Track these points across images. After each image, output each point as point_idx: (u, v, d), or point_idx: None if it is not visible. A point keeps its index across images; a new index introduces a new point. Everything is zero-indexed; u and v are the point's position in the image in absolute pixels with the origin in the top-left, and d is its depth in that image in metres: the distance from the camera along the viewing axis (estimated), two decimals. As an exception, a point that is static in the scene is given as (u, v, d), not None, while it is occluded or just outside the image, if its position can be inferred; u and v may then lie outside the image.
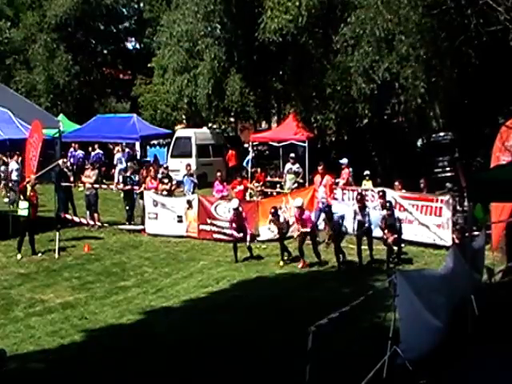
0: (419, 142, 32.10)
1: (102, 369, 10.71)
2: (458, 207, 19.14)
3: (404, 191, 20.09)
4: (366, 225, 17.36)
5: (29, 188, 19.21)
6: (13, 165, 28.05)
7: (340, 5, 25.49)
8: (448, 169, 27.25)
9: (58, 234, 19.17)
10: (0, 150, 26.63)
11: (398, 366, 9.65)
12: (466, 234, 15.45)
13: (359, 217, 17.45)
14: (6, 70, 48.80)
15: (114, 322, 13.26)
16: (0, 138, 22.39)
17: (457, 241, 16.26)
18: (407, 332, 9.89)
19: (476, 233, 15.62)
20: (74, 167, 31.09)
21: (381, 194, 18.89)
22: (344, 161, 24.46)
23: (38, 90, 47.84)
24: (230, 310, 13.67)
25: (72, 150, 34.39)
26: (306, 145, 28.77)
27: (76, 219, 23.16)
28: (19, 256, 18.77)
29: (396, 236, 16.99)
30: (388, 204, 17.64)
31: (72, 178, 25.40)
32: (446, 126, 28.40)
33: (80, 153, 34.92)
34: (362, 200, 17.89)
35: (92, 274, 17.17)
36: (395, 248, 17.20)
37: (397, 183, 20.65)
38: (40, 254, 19.01)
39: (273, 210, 18.02)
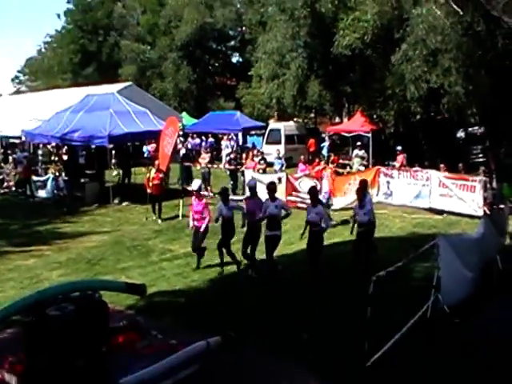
0: (459, 134, 31.91)
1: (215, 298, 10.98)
2: (488, 186, 18.77)
3: (447, 172, 19.77)
4: None
5: (153, 170, 19.76)
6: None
7: (397, 27, 25.29)
8: (481, 155, 27.61)
9: (181, 201, 19.60)
10: (142, 139, 27.13)
11: (438, 309, 9.69)
12: (494, 207, 15.24)
13: None
14: (146, 80, 50.51)
15: (219, 269, 13.52)
16: (141, 130, 23.06)
17: (487, 212, 16.02)
18: (447, 283, 9.92)
19: (502, 206, 15.47)
20: (193, 151, 31.58)
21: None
22: (399, 148, 24.45)
23: (168, 94, 49.50)
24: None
25: (190, 138, 35.01)
26: (370, 135, 28.47)
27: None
28: (154, 217, 19.39)
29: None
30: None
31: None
32: (479, 121, 28.62)
33: (197, 141, 35.46)
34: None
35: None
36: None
37: (442, 166, 20.47)
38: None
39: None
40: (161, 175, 19.82)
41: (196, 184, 14.79)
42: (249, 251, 13.13)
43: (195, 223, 14.09)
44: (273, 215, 12.75)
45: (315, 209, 12.44)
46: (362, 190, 13.48)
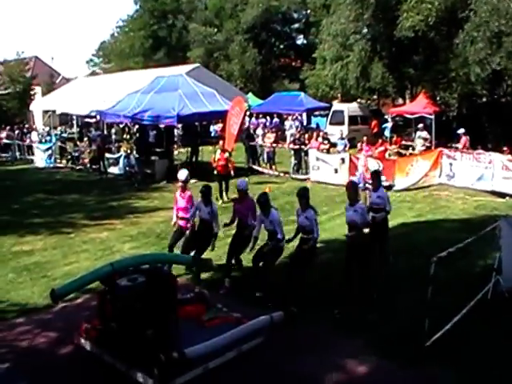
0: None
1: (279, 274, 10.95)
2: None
3: (510, 156, 19.05)
4: None
5: (218, 151, 19.57)
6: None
7: (460, 8, 24.53)
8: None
9: (247, 179, 19.55)
10: (209, 118, 27.22)
11: (499, 292, 9.42)
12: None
13: None
14: (213, 62, 50.76)
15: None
16: (208, 110, 23.16)
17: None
18: (508, 266, 9.58)
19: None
20: (258, 131, 31.55)
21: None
22: (461, 130, 23.78)
23: (234, 75, 49.57)
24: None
25: (254, 118, 34.99)
26: (433, 117, 27.74)
27: (260, 169, 23.65)
28: (220, 201, 18.71)
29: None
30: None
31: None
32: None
33: (262, 121, 35.43)
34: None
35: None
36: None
37: (505, 149, 19.91)
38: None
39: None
40: (226, 155, 19.46)
41: (183, 174, 12.29)
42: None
43: (179, 222, 11.94)
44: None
45: (376, 193, 11.55)
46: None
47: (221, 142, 20.20)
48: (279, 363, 7.80)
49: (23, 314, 9.76)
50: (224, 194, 19.24)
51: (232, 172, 19.25)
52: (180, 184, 12.13)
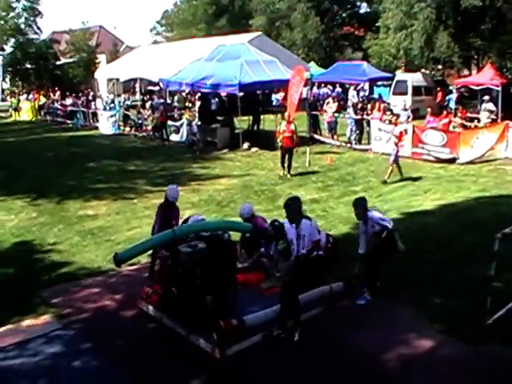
0: None
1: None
2: None
3: None
4: None
5: (283, 122, 18.54)
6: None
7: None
8: None
9: (308, 148, 19.43)
10: (270, 87, 26.93)
11: None
12: None
13: None
14: (275, 30, 50.29)
15: (346, 216, 13.24)
16: (270, 79, 23.00)
17: None
18: None
19: None
20: (320, 101, 31.16)
21: None
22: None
23: (296, 44, 49.05)
24: (435, 215, 13.16)
25: (316, 87, 34.50)
26: (500, 89, 26.78)
27: (321, 138, 23.39)
28: (282, 172, 18.15)
29: None
30: None
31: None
32: None
33: (324, 90, 34.98)
34: None
35: (331, 179, 17.17)
36: None
37: None
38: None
39: None
40: (291, 127, 18.30)
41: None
42: None
43: None
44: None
45: (365, 226, 9.02)
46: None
47: (286, 113, 19.17)
48: (339, 334, 7.72)
49: (88, 277, 9.99)
50: (286, 169, 18.19)
51: (297, 146, 18.28)
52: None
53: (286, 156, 18.07)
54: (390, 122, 22.11)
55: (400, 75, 35.30)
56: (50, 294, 9.42)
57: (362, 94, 32.43)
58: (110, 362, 7.18)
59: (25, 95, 43.60)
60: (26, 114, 39.90)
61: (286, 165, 18.13)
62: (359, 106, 25.43)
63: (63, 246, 12.04)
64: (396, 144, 16.89)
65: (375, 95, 32.61)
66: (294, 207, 8.15)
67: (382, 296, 8.75)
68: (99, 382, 6.97)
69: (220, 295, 8.04)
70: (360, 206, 8.93)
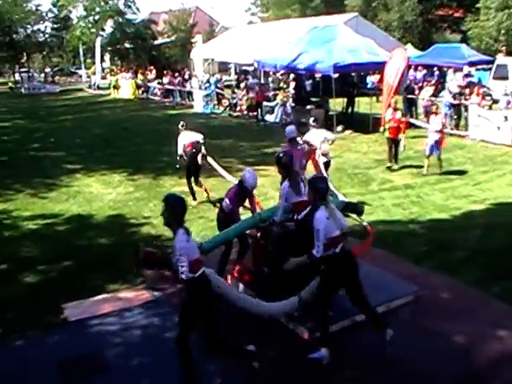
0: None
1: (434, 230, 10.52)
2: None
3: None
4: None
5: (390, 110, 16.64)
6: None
7: None
8: None
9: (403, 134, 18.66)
10: (365, 69, 26.38)
11: None
12: None
13: None
14: (371, 11, 49.40)
15: (442, 204, 12.83)
16: (365, 61, 22.55)
17: None
18: None
19: None
20: (417, 84, 30.29)
21: None
22: None
23: (392, 26, 47.89)
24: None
25: (412, 70, 33.52)
26: None
27: (417, 123, 22.68)
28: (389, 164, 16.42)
29: None
30: None
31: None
32: None
33: (421, 73, 33.99)
34: None
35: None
36: None
37: None
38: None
39: None
40: (397, 115, 16.24)
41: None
42: None
43: None
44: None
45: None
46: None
47: (392, 100, 17.22)
48: (428, 324, 7.42)
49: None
50: (393, 160, 16.57)
51: (403, 135, 16.48)
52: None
53: (393, 148, 16.42)
54: (490, 108, 21.25)
55: (501, 59, 33.69)
56: (145, 266, 9.64)
57: (468, 79, 31.12)
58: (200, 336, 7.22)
59: (123, 73, 44.88)
60: (124, 91, 41.09)
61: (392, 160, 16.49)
62: (458, 90, 24.46)
63: (157, 220, 12.24)
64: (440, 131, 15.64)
65: (474, 79, 31.38)
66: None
67: (474, 285, 8.41)
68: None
69: (309, 278, 7.98)
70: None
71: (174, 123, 25.97)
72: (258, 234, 8.57)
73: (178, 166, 14.49)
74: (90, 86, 49.38)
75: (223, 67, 43.67)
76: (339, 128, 22.56)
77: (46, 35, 66.34)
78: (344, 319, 7.41)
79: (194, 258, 5.96)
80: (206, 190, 13.77)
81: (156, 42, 58.14)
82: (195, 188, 13.74)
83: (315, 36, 24.92)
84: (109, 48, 56.60)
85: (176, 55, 55.55)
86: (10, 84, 55.41)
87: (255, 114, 26.68)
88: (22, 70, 60.20)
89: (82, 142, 22.54)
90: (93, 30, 56.24)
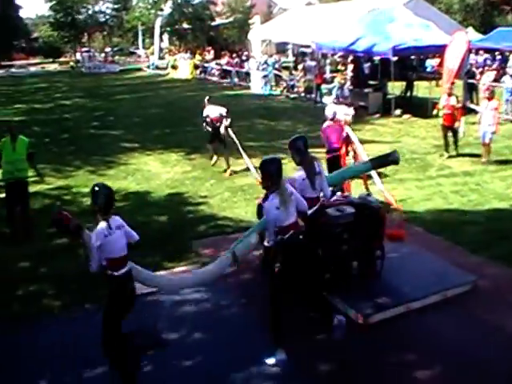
0: None
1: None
2: None
3: None
4: None
5: (444, 96, 16.08)
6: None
7: None
8: None
9: (463, 118, 17.98)
10: (425, 52, 25.77)
11: None
12: None
13: None
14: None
15: (502, 192, 12.49)
16: (425, 44, 22.09)
17: None
18: None
19: None
20: (478, 68, 29.48)
21: None
22: None
23: (453, 8, 46.57)
24: None
25: (473, 54, 32.61)
26: None
27: (477, 108, 22.05)
28: (446, 155, 15.90)
29: None
30: None
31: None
32: None
33: (483, 57, 33.09)
34: None
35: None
36: None
37: None
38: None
39: None
40: (452, 101, 15.60)
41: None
42: None
43: None
44: None
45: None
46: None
47: (446, 86, 16.67)
48: (486, 315, 7.25)
49: (237, 232, 10.15)
50: (452, 148, 15.96)
51: (458, 123, 15.76)
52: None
53: (448, 134, 15.81)
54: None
55: None
56: (200, 245, 9.74)
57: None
58: (257, 314, 7.27)
59: (182, 54, 45.19)
60: (182, 72, 41.39)
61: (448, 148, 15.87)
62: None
63: (214, 200, 12.41)
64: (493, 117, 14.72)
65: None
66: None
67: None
68: (247, 335, 7.06)
69: (365, 262, 7.94)
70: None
71: (231, 104, 26.17)
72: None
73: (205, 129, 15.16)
74: (148, 66, 49.93)
75: (281, 48, 43.46)
76: (397, 112, 22.21)
77: (107, 16, 67.47)
78: (399, 305, 7.34)
79: (114, 257, 5.67)
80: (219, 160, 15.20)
81: (214, 23, 58.26)
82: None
83: (374, 18, 24.53)
84: (167, 28, 57.01)
85: (234, 36, 55.59)
86: (72, 63, 56.62)
87: (312, 96, 26.50)
88: (83, 49, 61.28)
89: (139, 121, 22.86)
90: (152, 11, 56.74)
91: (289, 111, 24.42)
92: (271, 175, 6.10)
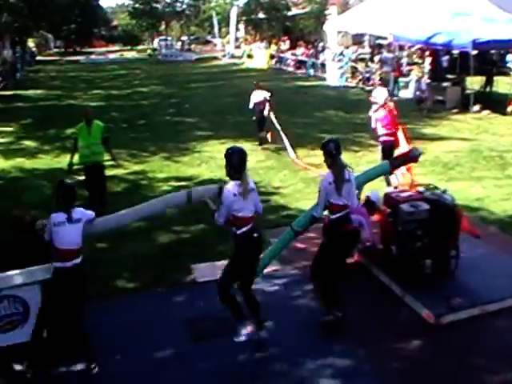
0: None
1: None
2: None
3: None
4: None
5: None
6: None
7: None
8: None
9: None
10: (506, 47, 24.80)
11: None
12: None
13: None
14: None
15: None
16: (507, 38, 21.26)
17: None
18: None
19: None
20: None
21: None
22: None
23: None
24: None
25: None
26: None
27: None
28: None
29: None
30: None
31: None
32: None
33: None
34: None
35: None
36: None
37: None
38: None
39: None
40: None
41: None
42: None
43: None
44: None
45: None
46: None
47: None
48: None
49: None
50: None
51: None
52: None
53: None
54: None
55: None
56: (271, 234, 9.71)
57: None
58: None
59: (257, 43, 45.28)
60: (258, 61, 41.48)
61: None
62: None
63: (287, 190, 12.43)
64: None
65: None
66: None
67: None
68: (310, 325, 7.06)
69: (439, 260, 7.79)
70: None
71: (304, 94, 26.18)
72: (388, 211, 8.41)
73: (253, 118, 16.48)
74: (224, 55, 50.28)
75: (357, 40, 42.87)
76: (476, 107, 21.56)
77: (184, 5, 68.27)
78: (474, 307, 7.18)
79: (65, 248, 5.98)
80: (270, 135, 16.28)
81: (290, 13, 57.98)
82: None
83: (454, 10, 23.80)
84: (243, 18, 57.19)
85: (310, 27, 55.13)
86: (149, 51, 57.72)
87: (388, 88, 26.07)
88: (160, 37, 62.29)
89: (214, 109, 23.05)
90: (228, 1, 57.05)
91: (364, 103, 24.02)
92: (233, 165, 6.42)
